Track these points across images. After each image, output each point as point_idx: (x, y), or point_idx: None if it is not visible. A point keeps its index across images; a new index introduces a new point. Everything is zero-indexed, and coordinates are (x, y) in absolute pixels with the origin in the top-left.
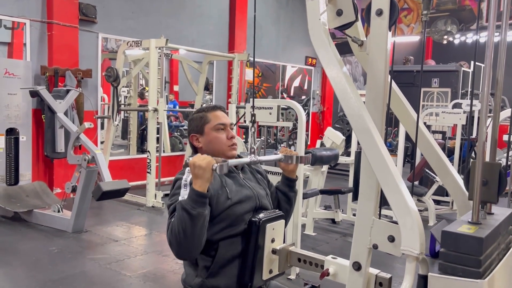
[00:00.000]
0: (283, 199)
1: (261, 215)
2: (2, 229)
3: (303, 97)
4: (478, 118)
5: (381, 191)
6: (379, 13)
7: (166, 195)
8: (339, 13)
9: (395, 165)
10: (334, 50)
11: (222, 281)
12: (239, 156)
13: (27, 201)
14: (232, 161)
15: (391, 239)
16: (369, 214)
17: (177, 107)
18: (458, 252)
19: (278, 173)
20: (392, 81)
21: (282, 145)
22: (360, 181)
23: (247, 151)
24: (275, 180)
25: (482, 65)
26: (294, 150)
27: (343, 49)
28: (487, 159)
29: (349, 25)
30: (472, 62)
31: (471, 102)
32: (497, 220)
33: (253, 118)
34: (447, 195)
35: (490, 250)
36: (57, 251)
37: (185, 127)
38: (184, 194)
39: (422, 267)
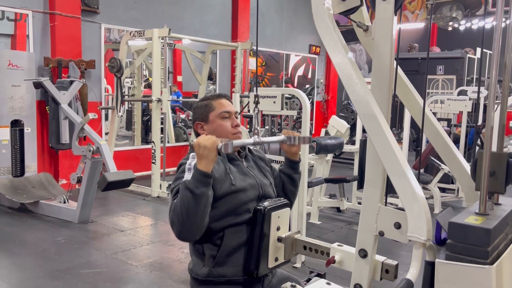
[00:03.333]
0: (288, 181)
1: (266, 203)
2: (9, 220)
3: (307, 86)
4: (485, 105)
5: (387, 178)
6: None
7: (171, 185)
8: None
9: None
10: (339, 35)
11: (229, 270)
12: (247, 149)
13: (33, 192)
14: (237, 142)
15: (398, 226)
16: (375, 201)
17: (181, 97)
18: (465, 243)
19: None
20: (398, 67)
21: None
22: (366, 168)
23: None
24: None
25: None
26: None
27: (347, 37)
28: (495, 146)
29: (354, 10)
30: (478, 49)
31: (479, 88)
32: (504, 211)
33: (256, 99)
34: (452, 182)
35: (497, 241)
36: (64, 241)
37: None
38: (188, 176)
39: (429, 253)
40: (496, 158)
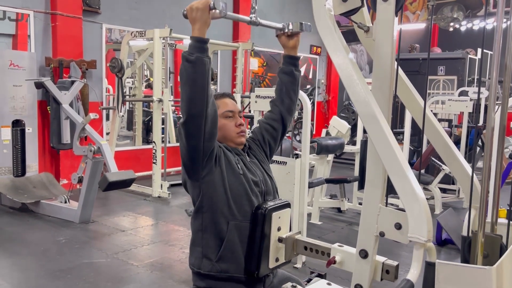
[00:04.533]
0: (289, 81)
1: (267, 204)
2: (10, 219)
3: (308, 86)
4: (485, 105)
5: (387, 178)
6: None
7: (172, 185)
8: None
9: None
10: (340, 36)
11: (232, 267)
12: (248, 145)
13: (34, 192)
14: (231, 14)
15: (398, 226)
16: (375, 202)
17: None
18: None
19: (284, 162)
20: (399, 68)
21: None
22: (367, 168)
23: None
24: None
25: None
26: (299, 141)
27: (348, 37)
28: (495, 147)
29: (354, 11)
30: (479, 50)
31: (479, 89)
32: None
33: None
34: (453, 183)
35: None
36: (65, 241)
37: None
38: None
39: (429, 254)
40: (489, 241)
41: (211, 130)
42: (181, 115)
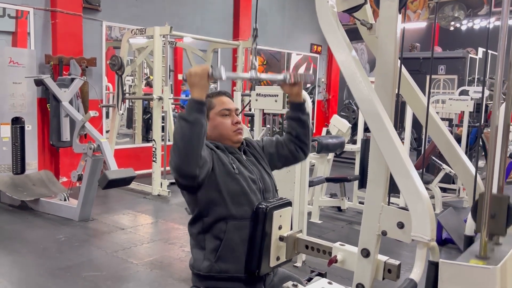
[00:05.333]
0: (298, 125)
1: (268, 202)
2: (9, 217)
3: (308, 85)
4: (486, 105)
5: (390, 177)
6: None
7: (171, 183)
8: None
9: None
10: (343, 33)
11: (232, 266)
12: (245, 143)
13: (34, 190)
14: (230, 74)
15: (400, 225)
16: (378, 201)
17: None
18: None
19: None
20: (402, 66)
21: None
22: (369, 167)
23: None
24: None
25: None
26: None
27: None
28: (499, 145)
29: (357, 8)
30: (480, 49)
31: (483, 88)
32: (505, 252)
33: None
34: (453, 182)
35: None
36: (64, 239)
37: None
38: None
39: (432, 253)
40: (497, 201)
41: (205, 176)
42: (170, 166)
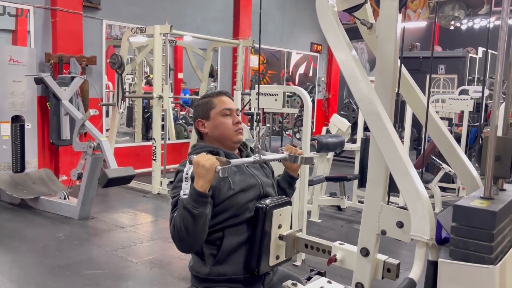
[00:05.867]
0: (281, 191)
1: (267, 201)
2: (9, 215)
3: (308, 84)
4: (486, 104)
5: (389, 177)
6: None
7: (171, 182)
8: None
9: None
10: (343, 32)
11: (230, 269)
12: (244, 144)
13: (34, 188)
14: (235, 161)
15: (400, 225)
16: (377, 200)
17: (188, 95)
18: (470, 226)
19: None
20: (402, 65)
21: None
22: (369, 166)
23: (252, 138)
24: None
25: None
26: (300, 139)
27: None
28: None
29: (357, 7)
30: (480, 48)
31: (483, 88)
32: (509, 196)
33: (258, 117)
34: (453, 182)
35: (503, 225)
36: (64, 237)
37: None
38: (185, 188)
39: (431, 253)
40: (502, 143)
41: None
42: (173, 240)
